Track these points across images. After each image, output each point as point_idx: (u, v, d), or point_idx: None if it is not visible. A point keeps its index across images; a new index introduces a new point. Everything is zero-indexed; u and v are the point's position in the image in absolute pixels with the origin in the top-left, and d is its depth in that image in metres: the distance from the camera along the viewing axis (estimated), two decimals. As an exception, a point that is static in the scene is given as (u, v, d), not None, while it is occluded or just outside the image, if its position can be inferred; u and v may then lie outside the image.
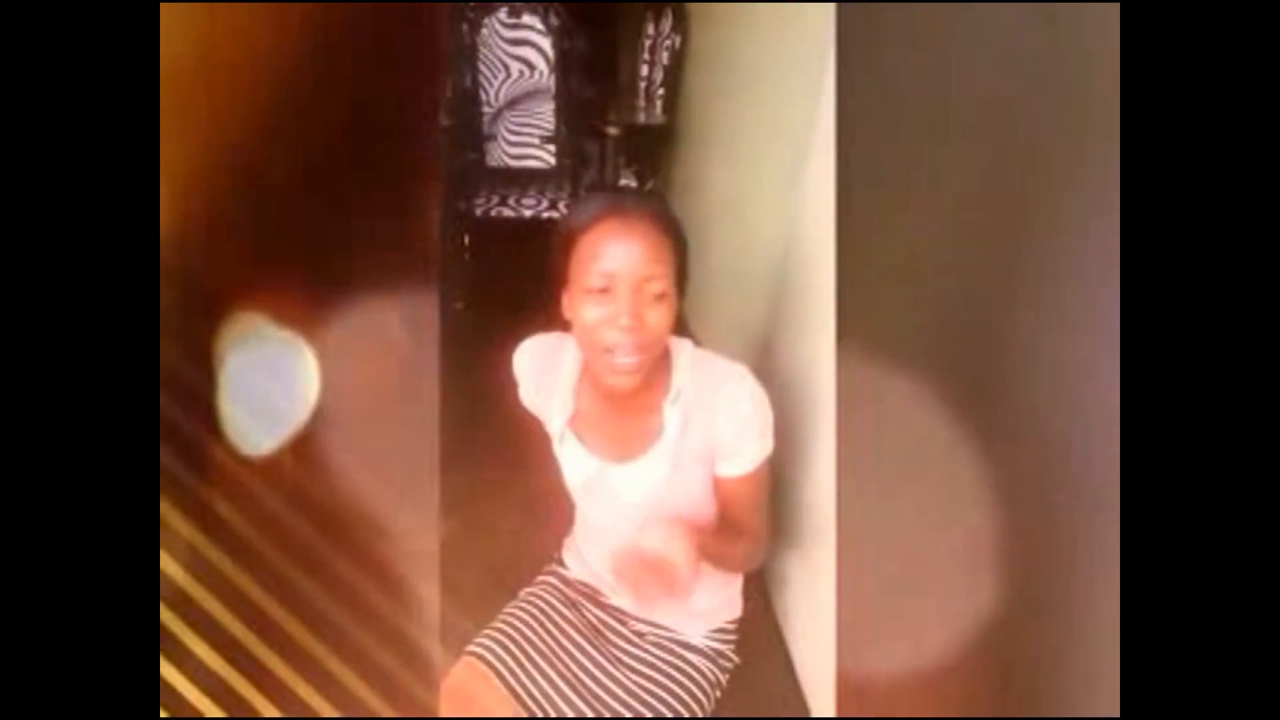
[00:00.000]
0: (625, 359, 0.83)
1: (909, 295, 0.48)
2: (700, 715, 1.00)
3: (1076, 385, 0.43)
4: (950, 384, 0.47)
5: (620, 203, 0.83)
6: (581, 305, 0.83)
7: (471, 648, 1.02)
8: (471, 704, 0.97)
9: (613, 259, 0.81)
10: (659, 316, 0.83)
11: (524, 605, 1.08)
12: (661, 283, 0.82)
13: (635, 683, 1.00)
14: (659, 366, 0.90)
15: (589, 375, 0.93)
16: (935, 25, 0.45)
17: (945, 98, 0.46)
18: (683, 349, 0.94)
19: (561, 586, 1.12)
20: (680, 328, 0.88)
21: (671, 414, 0.91)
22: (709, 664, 1.04)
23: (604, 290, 0.81)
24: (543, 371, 0.99)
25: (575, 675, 1.00)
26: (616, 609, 1.08)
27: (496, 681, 0.98)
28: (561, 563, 1.16)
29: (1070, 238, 0.43)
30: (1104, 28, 0.40)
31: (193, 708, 0.51)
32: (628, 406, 0.92)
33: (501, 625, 1.05)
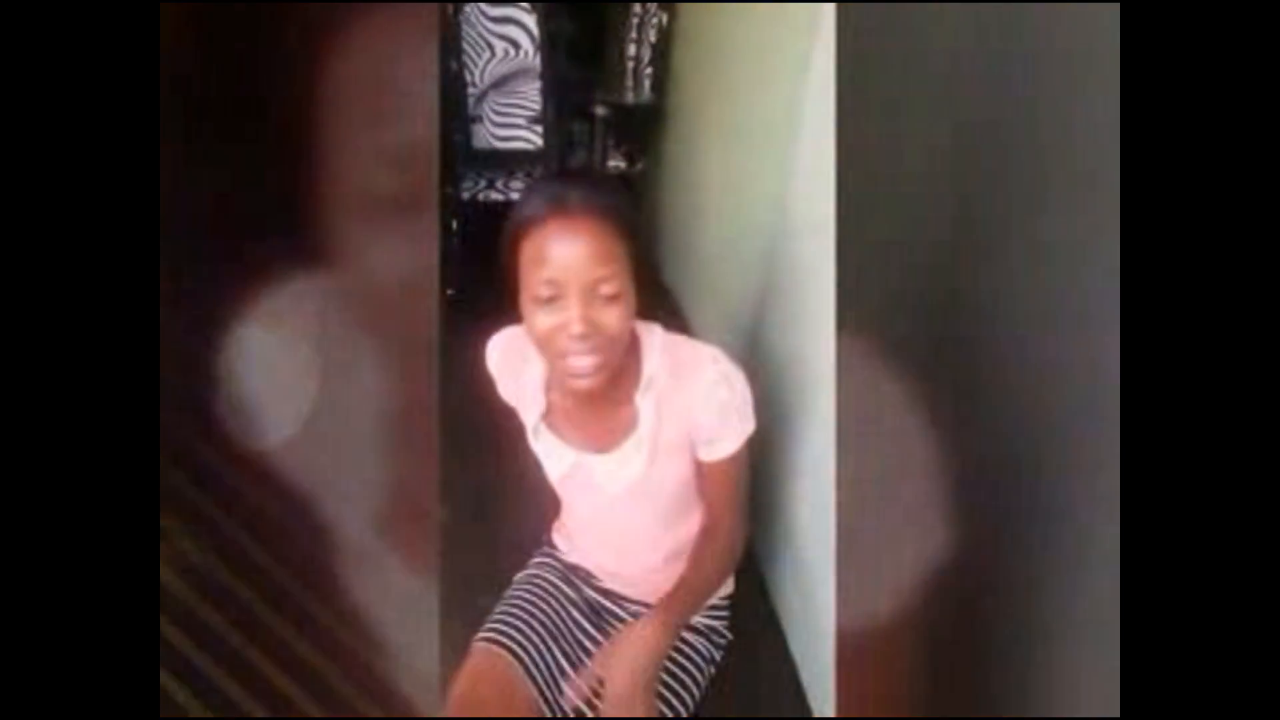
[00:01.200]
0: (582, 361, 0.79)
1: (907, 278, 0.48)
2: (695, 691, 1.01)
3: (1077, 370, 0.43)
4: (948, 366, 0.47)
5: (562, 199, 0.76)
6: (531, 314, 0.79)
7: (485, 632, 1.01)
8: (495, 689, 0.95)
9: (557, 265, 0.75)
10: (614, 317, 0.78)
11: (527, 585, 1.09)
12: (614, 283, 0.76)
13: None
14: (629, 355, 0.86)
15: None
16: (936, 12, 0.44)
17: (944, 82, 0.45)
18: (652, 335, 0.91)
19: (558, 565, 1.12)
20: (671, 307, 0.87)
21: (645, 404, 0.89)
22: (703, 641, 1.05)
23: (552, 299, 0.76)
24: (512, 367, 0.97)
25: (578, 654, 1.02)
26: (610, 591, 1.09)
27: (512, 660, 0.97)
28: (553, 545, 1.16)
29: (1070, 223, 0.43)
30: (1105, 20, 0.39)
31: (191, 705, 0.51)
32: (600, 399, 0.89)
33: (511, 607, 1.05)
